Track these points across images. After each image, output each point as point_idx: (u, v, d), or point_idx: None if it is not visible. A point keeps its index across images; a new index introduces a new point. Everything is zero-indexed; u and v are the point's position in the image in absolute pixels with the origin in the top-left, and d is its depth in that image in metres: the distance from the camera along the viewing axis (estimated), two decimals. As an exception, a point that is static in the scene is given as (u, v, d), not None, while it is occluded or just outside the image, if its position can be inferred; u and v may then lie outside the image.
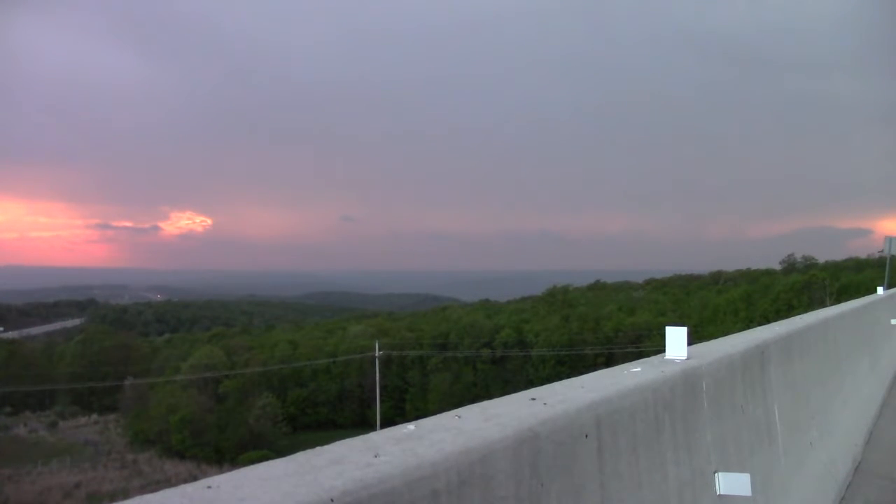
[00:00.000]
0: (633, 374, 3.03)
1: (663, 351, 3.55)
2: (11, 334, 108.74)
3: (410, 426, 2.02)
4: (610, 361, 57.72)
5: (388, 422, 56.56)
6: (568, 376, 3.23)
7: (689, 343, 3.54)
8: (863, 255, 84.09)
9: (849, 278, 61.43)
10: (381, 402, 62.41)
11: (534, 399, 2.42)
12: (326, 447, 1.78)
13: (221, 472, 1.64)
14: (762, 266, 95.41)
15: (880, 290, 15.27)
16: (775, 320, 7.77)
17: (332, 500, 1.47)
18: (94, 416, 75.79)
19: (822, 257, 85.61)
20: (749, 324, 41.03)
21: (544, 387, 2.68)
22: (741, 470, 3.54)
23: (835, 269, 72.85)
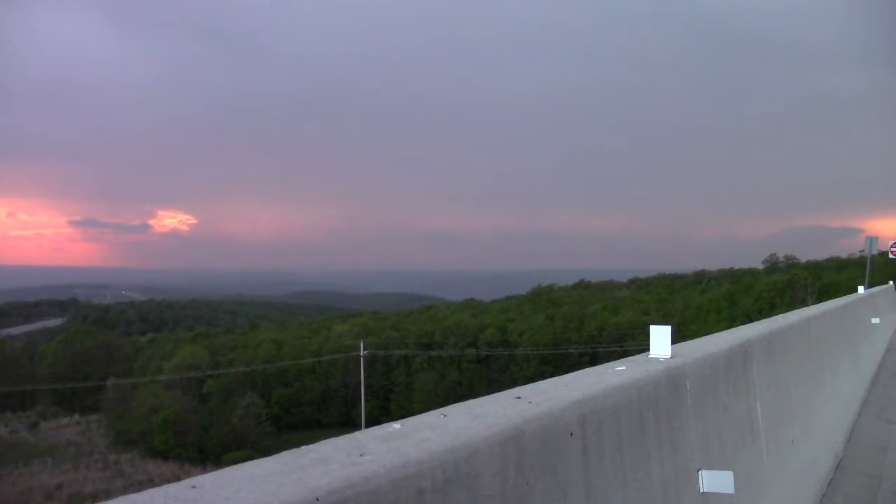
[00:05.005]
0: (617, 372, 3.04)
1: (647, 350, 3.57)
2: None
3: (396, 425, 2.01)
4: (594, 360, 57.95)
5: (373, 421, 56.38)
6: (552, 375, 3.23)
7: (673, 342, 3.56)
8: (844, 254, 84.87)
9: (830, 278, 61.92)
10: (366, 401, 62.25)
11: (519, 398, 2.42)
12: (312, 446, 1.77)
13: (205, 472, 1.63)
14: (748, 266, 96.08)
15: (861, 289, 15.49)
16: (758, 319, 7.84)
17: (317, 500, 1.47)
18: (76, 417, 74.90)
19: (813, 257, 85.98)
20: (732, 323, 41.28)
21: (529, 385, 2.68)
22: (724, 467, 3.56)
23: (816, 268, 73.46)
